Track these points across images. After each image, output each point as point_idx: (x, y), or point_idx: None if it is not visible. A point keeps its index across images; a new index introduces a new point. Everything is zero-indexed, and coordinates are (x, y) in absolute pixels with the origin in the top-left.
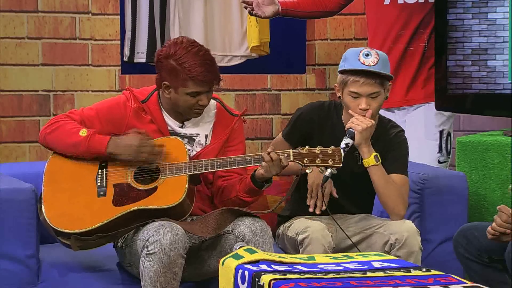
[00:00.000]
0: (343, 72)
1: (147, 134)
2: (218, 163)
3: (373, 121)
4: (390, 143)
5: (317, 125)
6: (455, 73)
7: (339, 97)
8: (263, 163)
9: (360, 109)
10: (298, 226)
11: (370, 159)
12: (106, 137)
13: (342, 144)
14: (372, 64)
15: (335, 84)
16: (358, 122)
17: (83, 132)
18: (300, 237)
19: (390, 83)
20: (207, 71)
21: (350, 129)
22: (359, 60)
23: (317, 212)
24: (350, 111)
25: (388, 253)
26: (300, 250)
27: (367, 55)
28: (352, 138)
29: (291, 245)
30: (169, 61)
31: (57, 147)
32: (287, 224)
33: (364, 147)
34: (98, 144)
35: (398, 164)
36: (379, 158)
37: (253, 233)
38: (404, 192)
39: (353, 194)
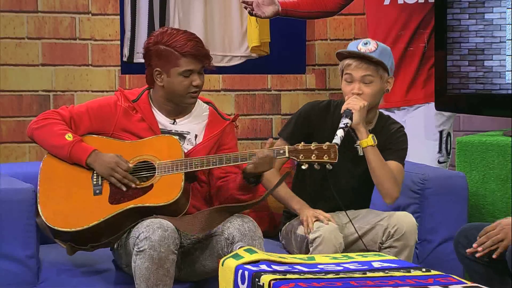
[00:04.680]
0: (339, 57)
1: (126, 161)
2: (214, 160)
3: (366, 102)
4: (390, 137)
5: (317, 122)
6: (450, 73)
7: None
8: (253, 158)
9: (353, 93)
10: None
11: (368, 139)
12: (89, 148)
13: (341, 124)
14: (368, 51)
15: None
16: (355, 102)
17: (69, 137)
18: (311, 236)
19: (392, 76)
20: (196, 46)
21: (347, 110)
22: (357, 47)
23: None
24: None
25: (384, 242)
26: (311, 249)
27: (366, 43)
28: (350, 118)
29: (299, 243)
30: (158, 46)
31: (42, 144)
32: (295, 222)
33: (361, 126)
34: (81, 152)
35: (397, 154)
36: (376, 140)
37: (242, 234)
38: (399, 177)
39: (350, 192)
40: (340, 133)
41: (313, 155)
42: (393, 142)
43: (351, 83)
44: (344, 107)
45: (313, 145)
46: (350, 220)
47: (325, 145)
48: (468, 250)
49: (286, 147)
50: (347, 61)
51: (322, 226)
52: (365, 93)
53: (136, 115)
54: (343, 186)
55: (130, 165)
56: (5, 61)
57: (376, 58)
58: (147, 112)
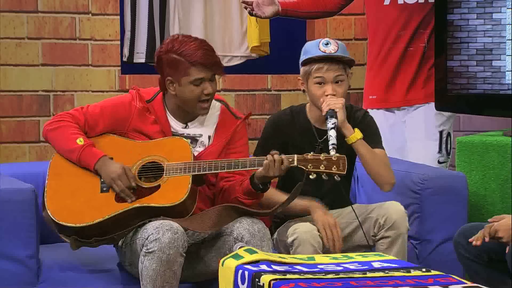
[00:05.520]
0: (305, 62)
1: (132, 174)
2: (222, 165)
3: (343, 99)
4: (361, 125)
5: (286, 131)
6: (458, 73)
7: (303, 90)
8: (265, 162)
9: (327, 95)
10: (288, 228)
11: (356, 133)
12: (99, 153)
13: (330, 125)
14: (332, 51)
15: (298, 78)
16: (335, 101)
17: (80, 141)
18: (289, 239)
19: (351, 71)
20: (206, 55)
21: (330, 110)
22: (319, 49)
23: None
24: (320, 99)
25: (377, 234)
26: (291, 251)
27: (327, 44)
28: (336, 117)
29: (284, 248)
30: (169, 55)
31: (55, 146)
32: (280, 229)
33: (347, 123)
34: (90, 157)
35: (375, 140)
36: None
37: (252, 235)
38: (388, 162)
39: (331, 192)
40: (333, 133)
41: (322, 165)
42: (365, 129)
43: (323, 86)
44: (325, 109)
45: (322, 156)
46: (355, 212)
47: (334, 156)
48: (470, 239)
49: (295, 155)
50: (317, 65)
51: (298, 228)
52: (338, 93)
53: (150, 117)
54: (324, 188)
55: (133, 183)
56: (5, 61)
57: (347, 57)
58: (161, 114)
